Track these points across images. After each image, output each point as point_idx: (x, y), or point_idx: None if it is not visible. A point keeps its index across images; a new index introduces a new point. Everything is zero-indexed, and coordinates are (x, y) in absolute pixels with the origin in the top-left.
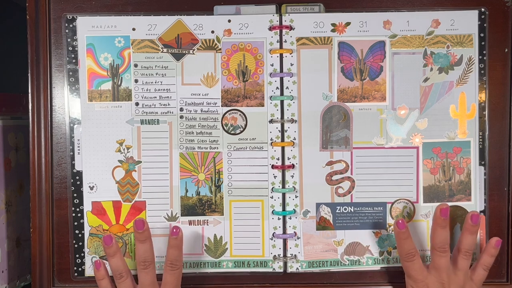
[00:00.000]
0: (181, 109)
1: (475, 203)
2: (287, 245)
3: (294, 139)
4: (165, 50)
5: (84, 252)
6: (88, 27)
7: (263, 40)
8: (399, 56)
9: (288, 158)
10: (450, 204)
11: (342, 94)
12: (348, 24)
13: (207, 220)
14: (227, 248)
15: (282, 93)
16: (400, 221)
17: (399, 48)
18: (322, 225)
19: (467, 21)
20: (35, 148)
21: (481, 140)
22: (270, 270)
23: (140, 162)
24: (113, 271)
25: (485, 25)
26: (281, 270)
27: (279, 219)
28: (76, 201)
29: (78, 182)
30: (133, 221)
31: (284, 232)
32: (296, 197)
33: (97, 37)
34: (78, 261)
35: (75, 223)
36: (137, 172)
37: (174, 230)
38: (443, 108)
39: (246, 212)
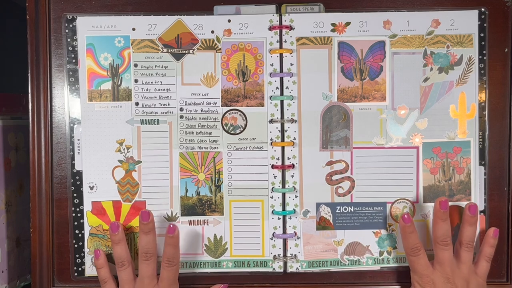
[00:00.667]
0: (181, 109)
1: (475, 202)
2: (287, 245)
3: (294, 139)
4: (165, 50)
5: (84, 252)
6: (88, 27)
7: (263, 40)
8: (399, 56)
9: (288, 158)
10: (450, 204)
11: (342, 94)
12: (348, 24)
13: (207, 220)
14: (227, 248)
15: (282, 93)
16: (405, 215)
17: (399, 48)
18: (322, 225)
19: (467, 21)
20: (35, 148)
21: (481, 140)
22: (270, 270)
23: (140, 162)
24: (116, 258)
25: (485, 25)
26: (281, 270)
27: (279, 219)
28: (76, 201)
29: (78, 182)
30: (139, 214)
31: (284, 232)
32: (296, 197)
33: (97, 37)
34: (78, 261)
35: (75, 223)
36: (137, 172)
37: (171, 228)
38: (443, 108)
39: (246, 212)
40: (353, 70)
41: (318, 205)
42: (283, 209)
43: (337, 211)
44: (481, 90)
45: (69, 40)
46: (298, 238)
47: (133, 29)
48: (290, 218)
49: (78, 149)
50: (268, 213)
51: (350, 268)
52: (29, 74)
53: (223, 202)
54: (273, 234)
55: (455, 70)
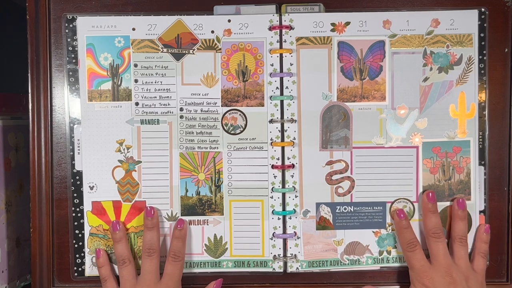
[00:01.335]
0: (181, 109)
1: (475, 202)
2: (287, 245)
3: (294, 139)
4: (165, 50)
5: (84, 252)
6: (88, 27)
7: (263, 40)
8: (399, 55)
9: (288, 158)
10: (450, 203)
11: (341, 94)
12: (347, 23)
13: (207, 220)
14: (227, 248)
15: (282, 93)
16: (398, 211)
17: (399, 47)
18: (322, 224)
19: (467, 21)
20: (35, 148)
21: (481, 140)
22: (270, 270)
23: (140, 162)
24: (117, 256)
25: (485, 25)
26: (281, 270)
27: (279, 219)
28: (76, 201)
29: (78, 182)
30: (143, 212)
31: (284, 232)
32: (296, 197)
33: (97, 37)
34: (78, 261)
35: (75, 223)
36: (137, 172)
37: (180, 221)
38: (443, 108)
39: (246, 212)
40: (353, 70)
41: (318, 205)
42: (283, 209)
43: (337, 211)
44: (481, 90)
45: (69, 40)
46: (298, 238)
47: (133, 29)
48: (290, 218)
49: (78, 149)
50: (268, 213)
51: (350, 268)
52: (29, 74)
53: (223, 202)
54: (273, 234)
55: (455, 70)
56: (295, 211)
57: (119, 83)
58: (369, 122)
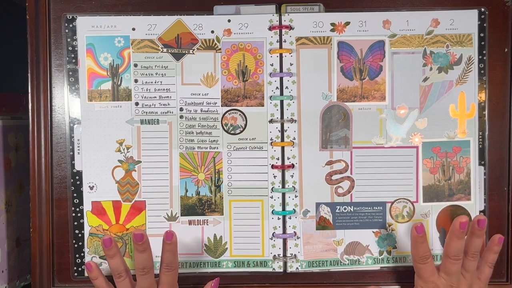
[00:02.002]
0: (181, 109)
1: (475, 202)
2: (287, 245)
3: (294, 139)
4: (165, 50)
5: (84, 252)
6: (88, 27)
7: (263, 40)
8: (399, 55)
9: (288, 158)
10: (450, 203)
11: (341, 94)
12: (347, 23)
13: (207, 220)
14: (227, 248)
15: (282, 93)
16: (419, 225)
17: (399, 47)
18: (322, 224)
19: (466, 21)
20: (35, 148)
21: (481, 140)
22: (270, 270)
23: (140, 162)
24: (113, 271)
25: (485, 25)
26: (281, 270)
27: (279, 219)
28: (76, 201)
29: (78, 182)
30: (132, 233)
31: (284, 232)
32: (296, 197)
33: (97, 37)
34: (78, 261)
35: (75, 223)
36: (137, 172)
37: (168, 234)
38: (443, 108)
39: (246, 212)
40: (353, 70)
41: (318, 205)
42: (283, 209)
43: (337, 211)
44: (481, 90)
45: (69, 40)
46: (298, 238)
47: (133, 29)
48: (290, 218)
49: (78, 149)
50: (268, 213)
51: (350, 268)
52: (29, 74)
53: (223, 202)
54: (273, 234)
55: (455, 70)
56: (295, 211)
57: (119, 83)
58: (369, 122)
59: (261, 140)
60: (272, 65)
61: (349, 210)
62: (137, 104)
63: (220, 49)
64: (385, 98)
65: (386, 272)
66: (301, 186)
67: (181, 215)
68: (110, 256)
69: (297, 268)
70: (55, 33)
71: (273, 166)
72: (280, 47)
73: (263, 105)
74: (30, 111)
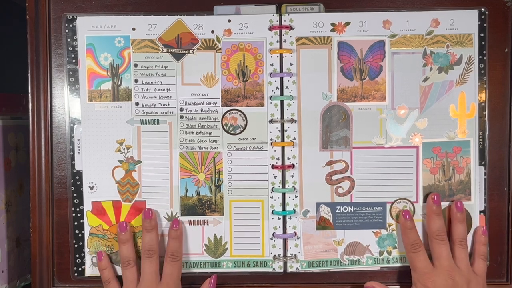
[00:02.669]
0: (181, 109)
1: (475, 202)
2: (287, 245)
3: (294, 139)
4: (165, 50)
5: (84, 252)
6: (88, 27)
7: (263, 40)
8: (399, 56)
9: (288, 158)
10: (450, 204)
11: (341, 94)
12: (347, 23)
13: (207, 220)
14: (227, 248)
15: (282, 93)
16: (404, 211)
17: (399, 47)
18: (322, 225)
19: (467, 21)
20: (35, 148)
21: (481, 140)
22: (270, 270)
23: (140, 162)
24: (122, 257)
25: (485, 25)
26: (281, 270)
27: (279, 219)
28: (76, 201)
29: (78, 182)
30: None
31: (284, 232)
32: (296, 197)
33: (97, 37)
34: (78, 261)
35: (75, 223)
36: (137, 172)
37: (176, 221)
38: (443, 108)
39: (246, 212)
40: (353, 70)
41: (318, 205)
42: (283, 209)
43: (337, 211)
44: (481, 90)
45: (69, 40)
46: (298, 238)
47: (133, 29)
48: (290, 218)
49: (78, 149)
50: (268, 213)
51: (350, 268)
52: (29, 74)
53: (223, 202)
54: (273, 234)
55: (455, 70)
56: (295, 211)
57: (119, 83)
58: (369, 122)
59: (261, 140)
60: (272, 65)
61: (349, 210)
62: (137, 104)
63: (220, 49)
64: (385, 98)
65: (386, 272)
66: (301, 186)
67: (181, 215)
68: (123, 242)
69: (297, 268)
70: (55, 33)
71: (273, 166)
72: (280, 47)
73: (263, 105)
74: (30, 111)
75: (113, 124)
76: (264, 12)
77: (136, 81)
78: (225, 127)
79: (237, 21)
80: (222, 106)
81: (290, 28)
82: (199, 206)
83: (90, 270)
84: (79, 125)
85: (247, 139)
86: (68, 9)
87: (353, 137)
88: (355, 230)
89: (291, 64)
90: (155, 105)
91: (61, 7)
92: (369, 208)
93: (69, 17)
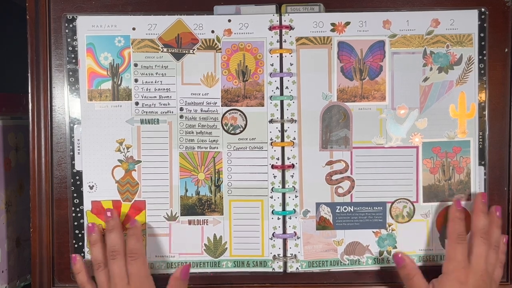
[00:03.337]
0: (181, 109)
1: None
2: (287, 245)
3: (294, 139)
4: (165, 49)
5: (84, 252)
6: (88, 26)
7: (263, 40)
8: (399, 55)
9: (288, 158)
10: (450, 203)
11: (341, 94)
12: (347, 23)
13: (207, 219)
14: (226, 248)
15: (282, 93)
16: (457, 201)
17: (399, 47)
18: (322, 224)
19: (467, 21)
20: (35, 148)
21: (481, 140)
22: (270, 270)
23: (140, 161)
24: (93, 260)
25: (485, 25)
26: (281, 270)
27: (279, 219)
28: (76, 201)
29: (78, 182)
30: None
31: (284, 232)
32: (296, 197)
33: (97, 36)
34: None
35: (75, 223)
36: (137, 172)
37: (131, 220)
38: (443, 108)
39: (245, 212)
40: (353, 70)
41: (318, 205)
42: (283, 209)
43: (337, 211)
44: (481, 90)
45: (69, 40)
46: (298, 238)
47: (133, 29)
48: (290, 218)
49: (78, 149)
50: (268, 213)
51: (350, 268)
52: (29, 74)
53: (223, 202)
54: (273, 234)
55: (455, 70)
56: (295, 211)
57: (119, 82)
58: (369, 122)
59: (261, 140)
60: (272, 65)
61: (349, 210)
62: (137, 103)
63: (220, 49)
64: (385, 98)
65: (386, 272)
66: (301, 186)
67: (181, 215)
68: (93, 243)
69: (297, 268)
70: (55, 33)
71: (273, 166)
72: (280, 47)
73: (263, 105)
74: (30, 111)
75: (113, 124)
76: (264, 12)
77: (136, 80)
78: (225, 127)
79: (237, 21)
80: (222, 106)
81: (290, 28)
82: (199, 206)
83: (90, 270)
84: (79, 125)
85: (247, 139)
86: (68, 9)
87: (353, 137)
88: (355, 230)
89: (291, 64)
90: (155, 104)
91: (61, 7)
92: (369, 208)
93: (69, 17)
